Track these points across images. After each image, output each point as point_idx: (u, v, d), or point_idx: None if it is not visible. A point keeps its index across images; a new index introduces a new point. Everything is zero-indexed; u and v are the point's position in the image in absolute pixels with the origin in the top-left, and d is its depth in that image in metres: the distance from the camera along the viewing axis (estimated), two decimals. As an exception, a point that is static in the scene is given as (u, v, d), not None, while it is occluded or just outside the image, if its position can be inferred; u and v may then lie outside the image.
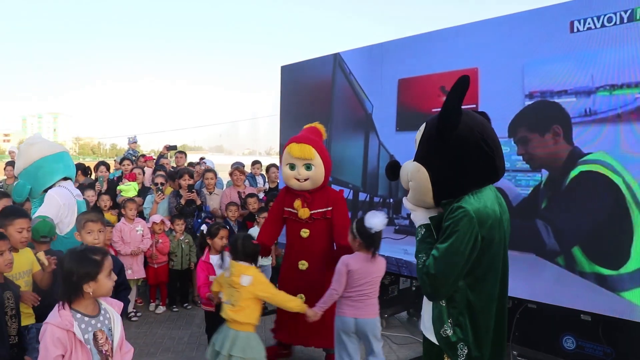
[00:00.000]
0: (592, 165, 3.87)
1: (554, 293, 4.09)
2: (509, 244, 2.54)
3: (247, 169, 8.58)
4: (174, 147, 10.31)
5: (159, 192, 6.57)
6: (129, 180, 7.34)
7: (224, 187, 7.82)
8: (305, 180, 4.64)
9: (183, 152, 9.54)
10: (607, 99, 3.81)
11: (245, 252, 3.90)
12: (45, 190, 4.55)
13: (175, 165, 9.09)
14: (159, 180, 6.80)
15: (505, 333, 2.50)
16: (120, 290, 3.45)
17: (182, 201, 6.55)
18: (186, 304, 6.59)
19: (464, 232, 2.24)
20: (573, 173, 3.95)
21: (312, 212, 4.63)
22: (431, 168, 2.41)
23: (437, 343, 2.41)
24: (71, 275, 2.46)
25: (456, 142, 2.35)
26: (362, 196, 5.72)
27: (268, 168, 8.48)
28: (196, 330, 5.77)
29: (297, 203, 4.67)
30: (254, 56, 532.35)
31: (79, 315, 2.47)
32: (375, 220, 3.87)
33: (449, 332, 2.35)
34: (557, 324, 4.45)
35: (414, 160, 2.54)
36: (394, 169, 2.68)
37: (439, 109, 2.44)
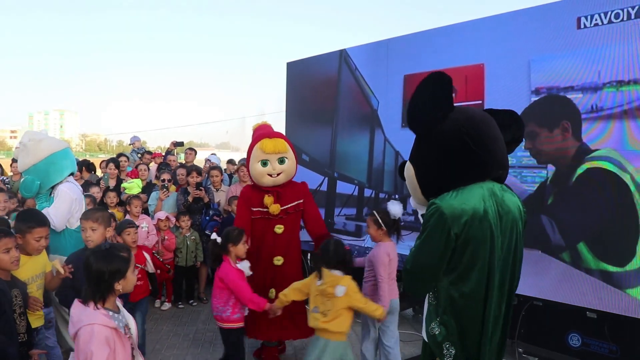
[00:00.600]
0: (599, 162, 3.85)
1: (559, 290, 4.08)
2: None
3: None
4: (180, 144, 10.31)
5: (164, 190, 6.57)
6: (131, 178, 7.34)
7: (229, 184, 7.81)
8: (279, 174, 4.53)
9: (193, 149, 9.49)
10: (614, 95, 3.79)
11: (338, 259, 3.76)
12: (51, 186, 4.58)
13: (184, 162, 9.07)
14: (165, 176, 6.80)
15: (500, 336, 2.41)
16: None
17: (190, 198, 6.55)
18: (192, 301, 6.61)
19: (434, 228, 2.21)
20: (580, 170, 3.94)
21: (284, 207, 4.56)
22: (416, 165, 2.42)
23: (427, 340, 2.39)
24: (102, 274, 2.48)
25: (437, 138, 2.30)
26: (367, 192, 5.72)
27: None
28: (202, 327, 5.79)
29: (269, 199, 4.52)
30: (261, 52, 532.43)
31: (110, 313, 2.49)
32: (397, 207, 4.09)
33: (436, 330, 2.33)
34: (562, 321, 4.44)
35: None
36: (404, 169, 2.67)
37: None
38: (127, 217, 6.05)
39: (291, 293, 3.97)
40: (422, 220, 2.47)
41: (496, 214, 2.28)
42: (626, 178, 3.71)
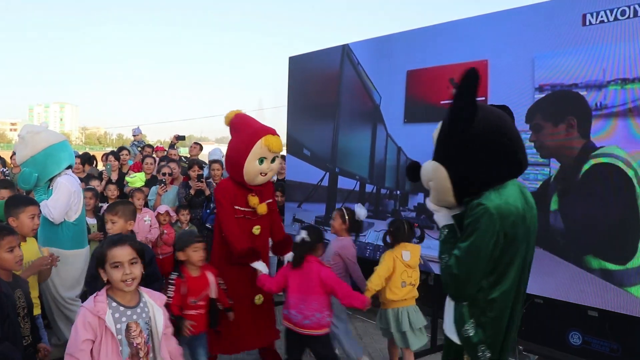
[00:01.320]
0: (605, 158, 3.83)
1: (561, 288, 4.07)
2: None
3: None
4: (182, 138, 10.31)
5: (162, 185, 6.54)
6: (134, 172, 7.31)
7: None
8: (267, 174, 4.31)
9: (198, 144, 9.47)
10: (619, 93, 3.77)
11: (412, 233, 4.35)
12: (49, 179, 4.59)
13: (188, 156, 9.04)
14: (166, 170, 6.78)
15: (516, 332, 2.47)
16: (151, 282, 3.22)
17: (192, 191, 6.54)
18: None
19: (485, 230, 2.17)
20: (586, 166, 3.91)
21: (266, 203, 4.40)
22: (449, 166, 2.34)
23: (458, 343, 2.37)
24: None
25: (473, 137, 2.27)
26: (369, 188, 5.70)
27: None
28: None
29: (254, 199, 4.27)
30: (261, 45, 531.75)
31: (114, 304, 2.45)
32: (363, 211, 4.58)
33: (471, 332, 2.31)
34: (563, 319, 4.44)
35: (432, 160, 2.46)
36: (414, 169, 2.61)
37: (448, 101, 2.38)
38: None
39: (378, 281, 4.15)
40: (439, 224, 2.50)
41: (528, 209, 2.32)
42: (631, 174, 3.69)
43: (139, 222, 5.86)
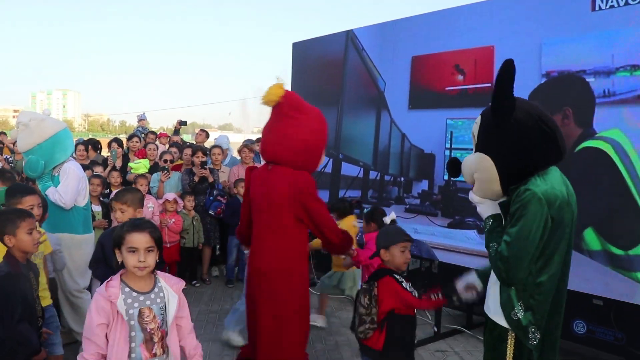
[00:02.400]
0: (596, 142, 3.82)
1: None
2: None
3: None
4: (184, 123, 10.28)
5: (165, 172, 6.51)
6: (139, 158, 7.29)
7: (228, 164, 7.76)
8: None
9: (204, 131, 9.42)
10: (628, 79, 3.72)
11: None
12: (53, 166, 4.56)
13: (194, 142, 9.00)
14: (167, 157, 6.75)
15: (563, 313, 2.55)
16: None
17: (196, 178, 6.51)
18: (195, 282, 6.59)
19: (534, 214, 2.25)
20: (578, 148, 3.91)
21: None
22: (495, 156, 2.41)
23: (506, 326, 2.42)
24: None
25: (515, 126, 2.36)
26: (372, 174, 5.67)
27: None
28: (204, 307, 5.79)
29: None
30: (262, 33, 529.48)
31: (127, 289, 2.43)
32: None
33: (520, 314, 2.37)
34: (567, 308, 4.40)
35: (475, 152, 2.53)
36: (455, 165, 2.69)
37: (454, 88, 2.41)
38: None
39: None
40: (483, 215, 2.56)
41: (572, 195, 2.41)
42: (617, 159, 3.67)
43: (143, 209, 5.83)
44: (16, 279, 2.93)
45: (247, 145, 7.36)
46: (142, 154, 7.34)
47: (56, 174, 4.50)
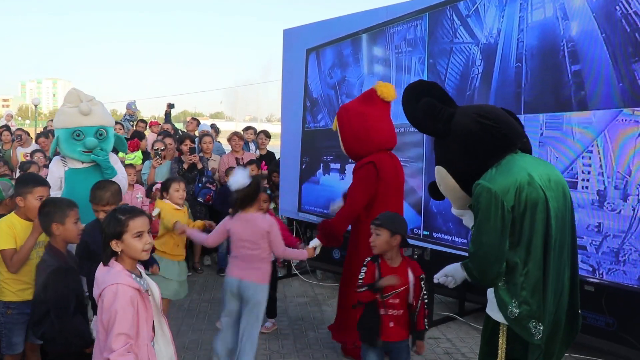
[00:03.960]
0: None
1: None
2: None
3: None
4: (173, 105, 10.21)
5: (157, 158, 6.45)
6: (131, 151, 7.12)
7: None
8: None
9: (196, 119, 9.41)
10: None
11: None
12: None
13: (185, 131, 8.95)
14: (159, 145, 6.66)
15: (570, 308, 2.48)
16: None
17: (185, 166, 6.45)
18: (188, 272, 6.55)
19: (486, 206, 2.24)
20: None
21: None
22: (447, 163, 2.49)
23: (500, 320, 2.40)
24: (103, 235, 2.48)
25: (454, 131, 2.43)
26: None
27: (257, 134, 8.32)
28: (196, 297, 5.77)
29: None
30: (251, 22, 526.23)
31: (133, 276, 2.46)
32: (233, 178, 3.76)
33: (516, 312, 2.31)
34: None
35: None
36: (435, 187, 2.74)
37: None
38: None
39: None
40: (468, 226, 2.59)
41: (542, 176, 2.35)
42: None
43: (131, 200, 5.77)
44: (67, 272, 2.97)
45: (236, 133, 7.31)
46: (134, 146, 7.19)
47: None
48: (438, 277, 2.72)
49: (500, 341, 2.40)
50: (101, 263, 2.50)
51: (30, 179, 3.55)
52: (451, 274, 2.64)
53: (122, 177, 4.43)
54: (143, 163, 6.91)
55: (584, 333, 4.31)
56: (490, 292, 2.46)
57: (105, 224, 2.48)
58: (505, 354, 2.40)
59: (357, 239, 4.10)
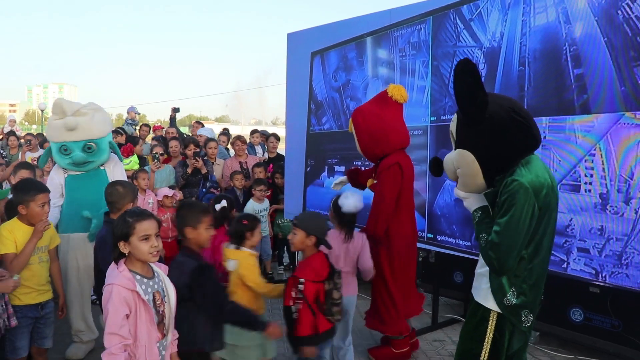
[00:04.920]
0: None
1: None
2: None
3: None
4: (177, 109, 10.24)
5: (155, 162, 6.42)
6: (125, 156, 7.11)
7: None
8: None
9: (200, 123, 9.43)
10: None
11: (233, 233, 3.52)
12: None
13: (190, 135, 8.96)
14: (158, 150, 6.62)
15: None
16: None
17: (189, 170, 6.45)
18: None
19: (522, 204, 2.33)
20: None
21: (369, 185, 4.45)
22: (475, 149, 2.50)
23: (494, 308, 2.50)
24: (113, 237, 2.51)
25: (490, 120, 2.44)
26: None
27: (267, 137, 8.36)
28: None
29: (373, 175, 4.42)
30: (255, 26, 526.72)
31: (138, 277, 2.49)
32: (347, 201, 3.73)
33: (513, 300, 2.45)
34: (564, 296, 4.42)
35: (456, 149, 2.62)
36: (437, 164, 2.76)
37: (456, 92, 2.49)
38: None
39: None
40: (470, 209, 2.64)
41: (553, 181, 2.50)
42: None
43: (143, 204, 5.74)
44: (209, 268, 3.03)
45: (239, 137, 7.35)
46: (128, 151, 7.19)
47: (102, 168, 4.40)
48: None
49: (489, 327, 2.51)
50: (112, 262, 2.54)
51: (32, 187, 3.50)
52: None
53: None
54: (140, 168, 6.92)
55: (590, 335, 4.33)
56: (484, 283, 2.56)
57: (114, 226, 2.52)
58: (491, 340, 2.51)
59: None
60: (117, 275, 2.44)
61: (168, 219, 5.79)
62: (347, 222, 3.79)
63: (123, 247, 2.48)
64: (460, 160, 2.56)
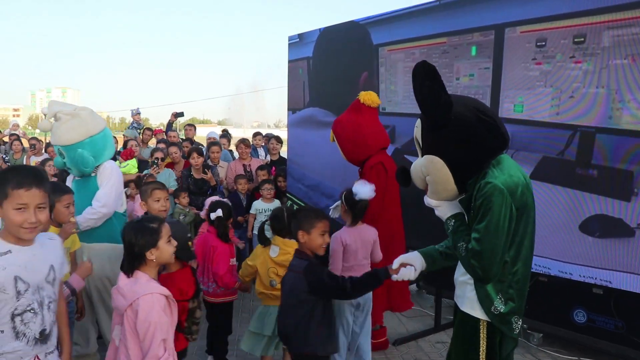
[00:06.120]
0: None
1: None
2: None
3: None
4: (181, 114, 10.20)
5: (155, 167, 6.40)
6: (124, 159, 7.12)
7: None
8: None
9: (192, 125, 9.45)
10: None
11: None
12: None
13: (184, 138, 8.97)
14: (159, 155, 6.62)
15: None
16: None
17: (195, 175, 6.40)
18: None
19: (499, 206, 2.25)
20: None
21: None
22: (443, 154, 2.40)
23: (483, 317, 2.42)
24: (132, 246, 2.48)
25: (456, 121, 2.36)
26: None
27: (269, 139, 8.36)
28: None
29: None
30: (256, 28, 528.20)
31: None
32: (361, 188, 3.75)
33: (501, 308, 2.37)
34: (568, 297, 4.42)
35: (423, 155, 2.52)
36: (405, 173, 2.64)
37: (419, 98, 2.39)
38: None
39: (244, 270, 3.85)
40: (443, 218, 2.53)
41: (527, 178, 2.43)
42: None
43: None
44: (321, 265, 3.07)
45: (243, 141, 7.35)
46: (128, 155, 7.19)
47: (94, 175, 4.02)
48: (395, 270, 2.69)
49: (482, 336, 2.43)
50: (122, 275, 2.52)
51: (57, 188, 3.48)
52: (411, 261, 2.67)
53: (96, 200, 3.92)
54: (138, 170, 6.91)
55: (593, 336, 4.33)
56: (468, 291, 2.47)
57: (135, 236, 2.49)
58: (486, 348, 2.43)
59: None
60: (148, 284, 2.45)
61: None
62: (360, 210, 3.83)
63: (151, 254, 2.49)
64: (429, 167, 2.45)
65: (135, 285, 2.44)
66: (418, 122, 2.54)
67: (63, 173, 4.94)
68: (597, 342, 4.30)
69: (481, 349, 2.43)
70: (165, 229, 2.57)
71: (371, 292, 3.83)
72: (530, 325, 4.69)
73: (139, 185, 5.70)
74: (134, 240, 2.48)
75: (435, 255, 2.74)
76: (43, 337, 2.29)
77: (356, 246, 3.83)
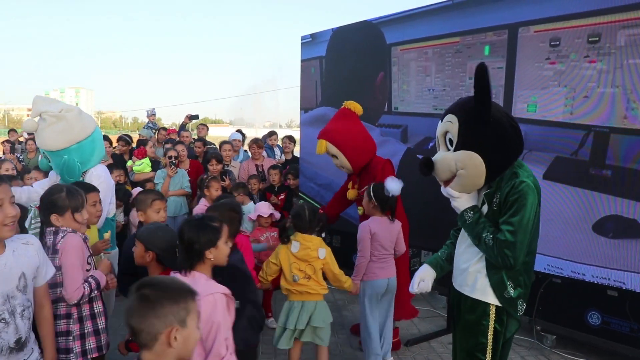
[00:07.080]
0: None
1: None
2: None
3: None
4: (196, 117, 10.21)
5: (172, 167, 6.39)
6: (139, 158, 7.15)
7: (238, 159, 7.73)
8: (342, 167, 4.75)
9: (205, 125, 9.46)
10: None
11: (316, 222, 3.82)
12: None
13: (197, 137, 9.00)
14: (172, 153, 6.58)
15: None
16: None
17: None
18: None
19: (532, 204, 2.50)
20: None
21: (359, 191, 4.62)
22: (483, 152, 2.56)
23: (494, 303, 2.64)
24: (193, 244, 2.47)
25: (495, 123, 2.56)
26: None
27: (282, 139, 8.36)
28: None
29: (349, 185, 4.78)
30: (269, 29, 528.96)
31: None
32: (394, 184, 3.93)
33: (512, 293, 2.63)
34: (582, 299, 4.38)
35: (458, 150, 2.63)
36: (429, 165, 2.77)
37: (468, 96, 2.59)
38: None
39: (267, 269, 3.85)
40: (459, 209, 2.72)
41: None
42: None
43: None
44: None
45: (256, 141, 7.37)
46: (141, 154, 7.22)
47: (82, 179, 3.78)
48: (414, 287, 2.94)
49: (491, 320, 2.66)
50: (175, 273, 2.49)
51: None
52: (425, 277, 2.94)
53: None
54: (152, 170, 6.93)
55: (608, 339, 4.28)
56: (479, 279, 2.68)
57: (197, 234, 2.47)
58: (493, 331, 2.66)
59: None
60: (208, 284, 2.42)
61: (268, 239, 5.11)
62: (391, 205, 4.13)
63: (209, 254, 2.48)
64: (467, 162, 2.59)
65: (196, 285, 2.36)
66: (451, 117, 2.66)
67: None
68: (612, 345, 4.26)
69: (490, 332, 2.66)
70: (225, 230, 2.58)
71: (395, 280, 4.21)
72: (543, 327, 4.65)
73: (201, 187, 5.63)
74: (196, 237, 2.46)
75: (442, 263, 2.99)
76: (19, 346, 2.27)
77: (383, 235, 4.10)
